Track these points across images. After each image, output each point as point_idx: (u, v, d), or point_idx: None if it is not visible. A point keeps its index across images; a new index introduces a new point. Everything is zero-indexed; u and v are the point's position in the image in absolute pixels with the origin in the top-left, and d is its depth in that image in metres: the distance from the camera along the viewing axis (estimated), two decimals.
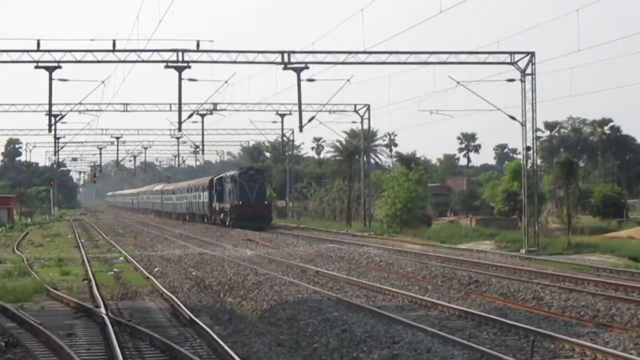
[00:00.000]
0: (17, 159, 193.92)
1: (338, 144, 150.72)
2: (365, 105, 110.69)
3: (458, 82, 78.21)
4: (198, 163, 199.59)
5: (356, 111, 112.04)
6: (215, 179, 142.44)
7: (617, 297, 39.15)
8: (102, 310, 34.48)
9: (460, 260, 60.89)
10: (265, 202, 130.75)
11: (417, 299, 39.76)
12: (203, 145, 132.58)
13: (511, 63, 77.30)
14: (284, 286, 44.66)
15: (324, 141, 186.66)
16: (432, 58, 78.88)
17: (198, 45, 74.10)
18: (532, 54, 77.40)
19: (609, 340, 28.53)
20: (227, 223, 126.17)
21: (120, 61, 76.92)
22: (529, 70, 76.48)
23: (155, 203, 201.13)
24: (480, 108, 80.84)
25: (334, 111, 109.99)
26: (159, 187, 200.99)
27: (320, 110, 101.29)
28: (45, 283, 46.25)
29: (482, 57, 78.81)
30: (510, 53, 78.06)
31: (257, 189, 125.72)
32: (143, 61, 76.29)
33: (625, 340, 28.53)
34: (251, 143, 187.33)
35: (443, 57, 78.85)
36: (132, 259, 62.80)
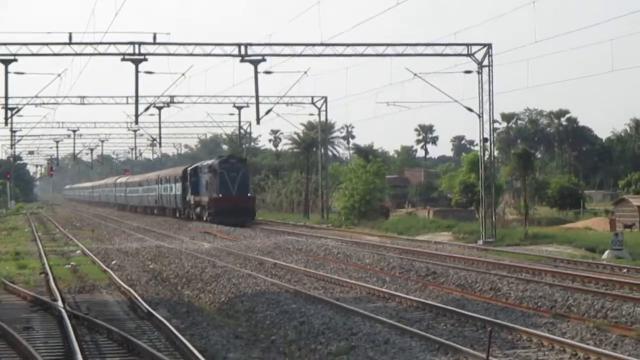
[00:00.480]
0: None
1: (295, 136, 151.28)
2: (323, 97, 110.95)
3: (415, 74, 78.13)
4: (155, 156, 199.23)
5: (313, 103, 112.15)
6: (189, 169, 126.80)
7: (574, 288, 39.34)
8: (60, 303, 34.39)
9: (418, 251, 60.97)
10: (249, 195, 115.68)
11: (375, 290, 39.81)
12: (160, 137, 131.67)
13: (468, 55, 77.33)
14: (241, 279, 44.64)
15: (282, 133, 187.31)
16: (389, 50, 78.70)
17: (155, 38, 73.84)
18: (489, 45, 77.44)
19: (566, 331, 28.68)
20: (205, 218, 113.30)
21: (76, 54, 76.60)
22: (485, 62, 76.49)
23: (119, 196, 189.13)
24: (437, 100, 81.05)
25: (292, 103, 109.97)
26: (122, 179, 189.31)
27: (278, 103, 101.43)
28: (1, 277, 46.14)
29: (439, 49, 78.92)
30: (467, 45, 78.10)
31: (240, 179, 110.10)
32: (100, 54, 76.12)
33: (582, 330, 28.67)
34: (208, 135, 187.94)
35: (400, 49, 78.78)
36: (89, 252, 62.65)
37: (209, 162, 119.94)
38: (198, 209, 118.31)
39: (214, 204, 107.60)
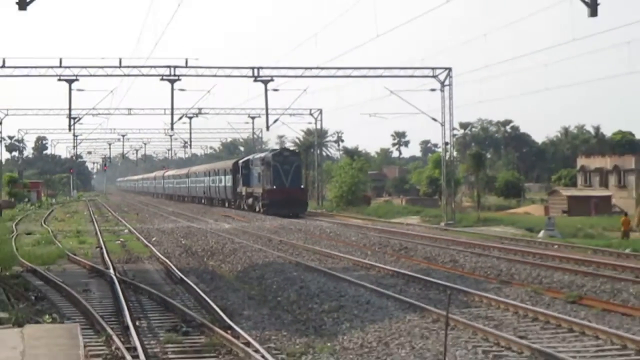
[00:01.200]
0: (44, 152, 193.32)
1: (297, 140, 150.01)
2: (319, 109, 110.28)
3: (391, 92, 78.71)
4: (187, 155, 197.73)
5: (311, 114, 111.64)
6: (241, 161, 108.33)
7: (516, 260, 39.32)
8: (111, 271, 34.35)
9: (393, 231, 60.72)
10: (302, 187, 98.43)
11: (359, 261, 39.70)
12: (191, 141, 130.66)
13: (433, 76, 77.91)
14: (254, 252, 44.48)
15: (286, 138, 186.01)
16: (371, 72, 79.40)
17: (186, 62, 74.90)
18: (450, 69, 78.04)
19: (509, 294, 28.65)
20: (258, 209, 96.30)
21: (125, 75, 77.20)
22: (447, 82, 77.25)
23: (167, 187, 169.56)
24: (409, 112, 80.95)
25: (294, 114, 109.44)
26: (170, 172, 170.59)
27: (283, 114, 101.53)
28: (66, 250, 46.20)
29: (410, 72, 79.23)
30: (432, 68, 78.55)
31: (293, 172, 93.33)
32: (143, 75, 76.49)
33: (522, 294, 28.65)
34: (228, 139, 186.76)
35: (380, 72, 79.31)
36: (134, 231, 62.49)
37: (262, 155, 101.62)
38: (250, 200, 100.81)
39: (268, 196, 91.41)
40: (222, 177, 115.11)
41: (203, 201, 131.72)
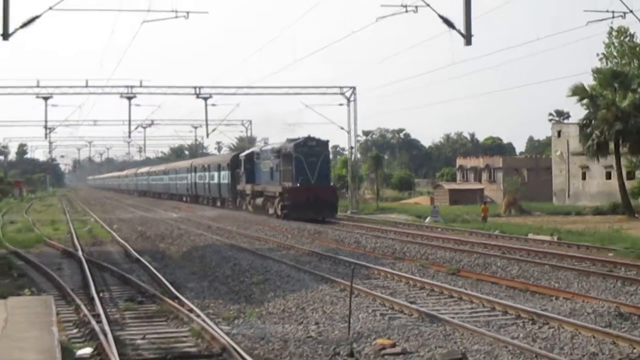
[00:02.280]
0: (25, 156, 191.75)
1: (231, 145, 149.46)
2: (249, 120, 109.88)
3: (306, 106, 78.19)
4: (142, 158, 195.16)
5: (243, 124, 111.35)
6: (243, 155, 77.57)
7: (407, 241, 39.53)
8: (80, 252, 33.98)
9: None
10: (331, 184, 68.88)
11: (282, 243, 39.71)
12: (145, 147, 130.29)
13: (341, 93, 78.21)
14: (196, 236, 44.30)
15: (223, 144, 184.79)
16: (291, 90, 79.33)
17: (141, 83, 74.81)
18: (354, 87, 78.42)
19: (402, 268, 28.81)
20: (273, 212, 64.85)
21: (90, 93, 76.80)
22: (352, 98, 77.59)
23: (140, 184, 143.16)
24: (322, 122, 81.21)
25: (229, 124, 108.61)
26: (144, 169, 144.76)
27: (220, 124, 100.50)
28: (43, 236, 45.59)
29: (323, 90, 79.55)
30: (340, 87, 78.86)
31: (320, 166, 63.95)
32: (105, 93, 76.50)
33: (412, 267, 28.86)
34: (176, 145, 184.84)
35: (299, 90, 79.36)
36: (99, 220, 61.98)
37: (276, 145, 68.97)
38: (259, 201, 69.12)
39: (290, 196, 61.14)
40: (214, 174, 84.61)
41: (186, 199, 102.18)
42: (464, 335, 17.16)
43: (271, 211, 62.43)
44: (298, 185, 57.85)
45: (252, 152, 70.22)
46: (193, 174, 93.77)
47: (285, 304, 21.97)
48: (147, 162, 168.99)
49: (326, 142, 66.15)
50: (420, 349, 15.86)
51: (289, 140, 63.08)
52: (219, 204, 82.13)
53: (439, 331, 17.68)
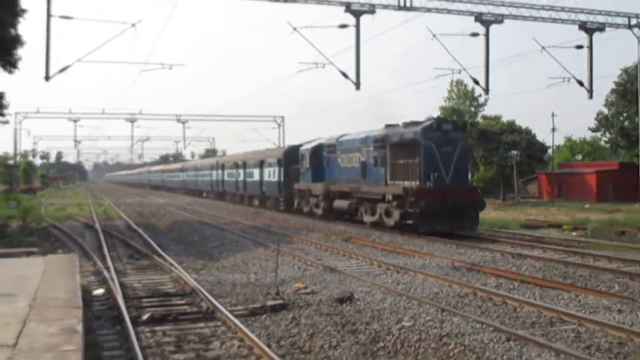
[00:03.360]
0: (61, 160, 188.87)
1: (200, 155, 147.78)
2: (213, 137, 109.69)
3: (253, 129, 75.20)
4: (141, 162, 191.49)
5: (208, 140, 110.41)
6: (306, 148, 40.14)
7: (317, 219, 39.48)
8: (97, 225, 33.59)
9: (255, 205, 60.67)
10: (473, 185, 35.36)
11: (234, 220, 39.46)
12: (143, 154, 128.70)
13: (274, 121, 78.07)
14: (176, 215, 43.99)
15: (195, 152, 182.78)
16: (241, 118, 79.49)
17: (140, 111, 74.64)
18: (283, 117, 78.29)
19: (312, 236, 28.82)
20: (383, 222, 29.81)
21: (106, 118, 75.97)
22: (281, 124, 77.49)
23: (153, 180, 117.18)
24: (264, 140, 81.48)
25: (200, 140, 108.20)
26: (158, 167, 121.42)
27: (193, 140, 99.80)
28: (72, 214, 44.92)
29: (260, 118, 79.42)
30: (274, 116, 78.75)
31: (458, 159, 27.70)
32: (116, 118, 75.63)
33: (319, 236, 28.92)
34: (164, 153, 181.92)
35: (246, 118, 79.44)
36: (111, 204, 61.15)
37: (373, 132, 32.04)
38: (341, 203, 34.72)
39: (421, 198, 26.58)
40: (255, 171, 51.46)
41: (207, 195, 72.71)
42: (352, 281, 17.35)
43: (368, 219, 31.78)
44: (430, 185, 27.53)
45: (321, 145, 38.46)
46: (220, 171, 64.80)
47: (234, 260, 21.95)
48: (145, 164, 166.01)
49: (463, 126, 40.78)
50: (323, 290, 16.00)
51: (407, 124, 29.79)
52: (256, 202, 52.48)
53: (336, 278, 17.83)
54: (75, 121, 77.18)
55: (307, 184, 39.42)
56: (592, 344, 10.97)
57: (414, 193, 26.86)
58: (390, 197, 28.44)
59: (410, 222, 27.54)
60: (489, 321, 12.48)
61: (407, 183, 28.12)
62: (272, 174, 46.73)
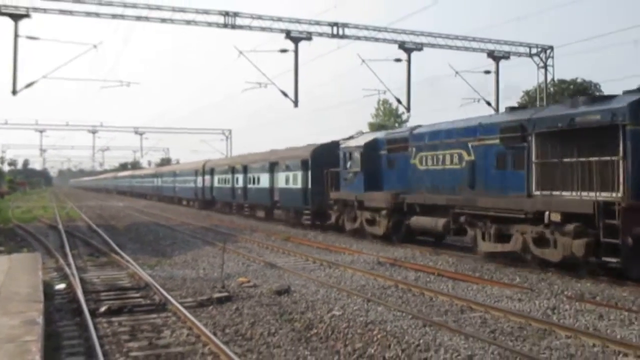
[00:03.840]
0: (28, 166, 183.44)
1: (155, 164, 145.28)
2: (167, 147, 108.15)
3: (201, 140, 74.32)
4: (102, 169, 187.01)
5: (164, 150, 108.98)
6: (351, 145, 25.60)
7: (259, 220, 39.23)
8: (60, 226, 32.73)
9: (209, 209, 60.00)
10: None
11: (185, 221, 38.92)
12: (104, 162, 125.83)
13: (222, 133, 77.41)
14: (134, 216, 43.24)
15: (152, 162, 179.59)
16: (192, 131, 78.19)
17: (101, 123, 72.39)
18: (230, 130, 77.83)
19: (255, 236, 28.65)
20: (527, 251, 15.86)
21: (70, 129, 74.01)
22: (229, 136, 76.92)
23: (120, 185, 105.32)
24: (214, 151, 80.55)
25: (156, 150, 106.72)
26: (126, 173, 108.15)
27: (150, 150, 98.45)
28: (37, 216, 43.64)
29: (211, 132, 78.64)
30: (222, 130, 78.09)
31: None
32: (79, 129, 73.71)
33: (261, 236, 28.73)
34: (122, 162, 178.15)
35: (195, 131, 78.40)
36: (73, 206, 59.68)
37: (514, 115, 17.15)
38: (424, 222, 20.70)
39: (633, 224, 11.79)
40: (260, 176, 38.44)
41: (190, 203, 57.82)
42: (290, 275, 17.31)
43: (493, 247, 17.76)
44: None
45: (376, 141, 24.95)
46: (208, 176, 50.87)
47: (185, 257, 21.64)
48: (106, 171, 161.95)
49: None
50: (264, 284, 15.92)
51: (585, 101, 15.36)
52: (261, 214, 39.12)
53: (275, 273, 17.77)
54: (41, 132, 75.30)
55: (354, 192, 25.57)
56: (497, 329, 11.19)
57: (619, 212, 13.52)
58: (557, 218, 15.01)
59: (609, 260, 14.15)
60: (408, 310, 12.62)
61: (587, 194, 14.68)
62: (291, 180, 33.39)
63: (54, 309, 12.71)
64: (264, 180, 37.09)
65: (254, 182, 39.06)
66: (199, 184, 53.22)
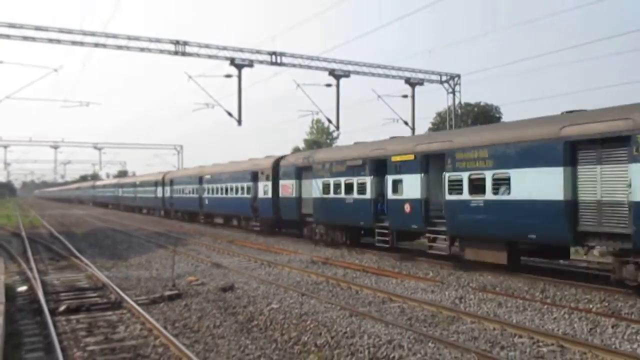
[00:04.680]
0: None
1: (113, 175, 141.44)
2: (124, 161, 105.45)
3: (155, 155, 72.66)
4: (63, 181, 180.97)
5: (120, 163, 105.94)
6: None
7: (209, 226, 38.59)
8: (23, 233, 31.28)
9: (155, 214, 58.73)
10: None
11: (142, 227, 37.96)
12: (65, 175, 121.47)
13: (174, 148, 75.62)
14: (93, 224, 41.86)
15: (110, 174, 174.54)
16: (147, 146, 76.21)
17: (63, 139, 69.76)
18: (182, 146, 76.18)
19: (204, 240, 28.12)
20: None
21: (32, 145, 70.68)
22: (180, 152, 75.21)
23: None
24: (166, 164, 78.51)
25: (113, 164, 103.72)
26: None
27: (108, 164, 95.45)
28: (1, 224, 41.58)
29: (164, 147, 76.97)
30: (174, 145, 76.43)
31: None
32: (41, 145, 70.76)
33: (209, 240, 28.20)
34: (83, 174, 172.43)
35: (151, 146, 76.45)
36: (36, 215, 57.37)
37: None
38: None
39: None
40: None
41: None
42: (234, 274, 17.13)
43: None
44: None
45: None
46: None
47: (140, 259, 21.10)
48: (67, 183, 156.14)
49: None
50: (211, 282, 15.69)
51: None
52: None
53: (221, 272, 17.54)
54: (5, 147, 72.08)
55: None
56: (413, 316, 11.36)
57: None
58: None
59: None
60: (337, 302, 12.66)
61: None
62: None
63: (15, 310, 12.17)
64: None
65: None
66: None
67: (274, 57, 29.74)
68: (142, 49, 27.15)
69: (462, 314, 11.27)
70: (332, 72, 31.30)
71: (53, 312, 11.71)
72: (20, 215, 56.15)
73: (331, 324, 10.62)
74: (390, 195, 18.36)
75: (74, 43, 26.20)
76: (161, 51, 27.45)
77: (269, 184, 27.41)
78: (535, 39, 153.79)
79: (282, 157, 27.95)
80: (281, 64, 30.01)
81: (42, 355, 9.12)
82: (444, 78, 35.45)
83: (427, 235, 17.07)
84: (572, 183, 12.40)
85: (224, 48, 28.58)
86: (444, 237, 16.43)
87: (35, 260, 20.25)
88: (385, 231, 19.05)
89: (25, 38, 25.51)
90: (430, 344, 9.21)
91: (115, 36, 26.83)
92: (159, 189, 49.93)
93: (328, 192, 22.28)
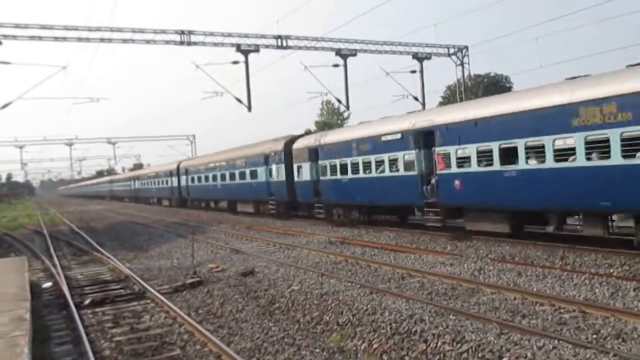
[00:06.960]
0: (11, 179, 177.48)
1: (129, 169, 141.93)
2: (139, 154, 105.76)
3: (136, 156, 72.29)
4: (80, 177, 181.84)
5: (135, 157, 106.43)
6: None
7: (226, 213, 38.76)
8: (45, 231, 31.73)
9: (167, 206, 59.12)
10: None
11: (159, 218, 38.24)
12: (81, 172, 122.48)
13: (187, 139, 75.77)
14: (111, 217, 42.31)
15: (102, 168, 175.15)
16: (133, 139, 76.19)
17: (76, 137, 69.69)
18: (194, 135, 76.17)
19: (222, 227, 28.29)
20: None
21: (48, 143, 71.09)
22: (193, 141, 75.14)
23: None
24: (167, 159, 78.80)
25: (128, 157, 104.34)
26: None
27: (123, 158, 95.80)
28: (23, 223, 42.09)
29: (176, 137, 77.00)
30: (187, 135, 76.56)
31: None
32: (56, 143, 70.90)
33: (227, 227, 28.37)
34: (99, 169, 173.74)
35: (140, 139, 76.32)
36: (56, 212, 58.05)
37: None
38: None
39: None
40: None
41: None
42: (253, 259, 17.23)
43: None
44: None
45: None
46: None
47: (160, 249, 21.34)
48: (84, 179, 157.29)
49: None
50: (231, 268, 15.79)
51: None
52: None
53: (240, 258, 17.65)
54: (21, 147, 72.48)
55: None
56: (433, 290, 11.37)
57: None
58: None
59: None
60: (357, 280, 12.70)
61: None
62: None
63: (42, 306, 12.36)
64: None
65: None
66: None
67: (279, 40, 29.60)
68: (147, 41, 27.14)
69: (482, 285, 11.26)
70: (338, 52, 31.11)
71: (78, 306, 11.88)
72: (41, 214, 56.83)
73: (352, 302, 10.66)
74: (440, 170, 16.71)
75: (80, 39, 26.24)
76: (167, 42, 27.42)
77: (282, 166, 27.14)
78: (544, 5, 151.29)
79: (294, 139, 27.21)
80: (287, 47, 29.87)
81: (70, 348, 9.27)
82: (451, 51, 35.09)
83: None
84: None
85: (229, 35, 28.48)
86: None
87: (58, 256, 20.52)
88: (436, 209, 17.46)
89: (31, 37, 25.60)
90: (451, 317, 9.22)
91: (120, 30, 26.82)
92: (174, 179, 49.06)
93: (355, 172, 21.26)
